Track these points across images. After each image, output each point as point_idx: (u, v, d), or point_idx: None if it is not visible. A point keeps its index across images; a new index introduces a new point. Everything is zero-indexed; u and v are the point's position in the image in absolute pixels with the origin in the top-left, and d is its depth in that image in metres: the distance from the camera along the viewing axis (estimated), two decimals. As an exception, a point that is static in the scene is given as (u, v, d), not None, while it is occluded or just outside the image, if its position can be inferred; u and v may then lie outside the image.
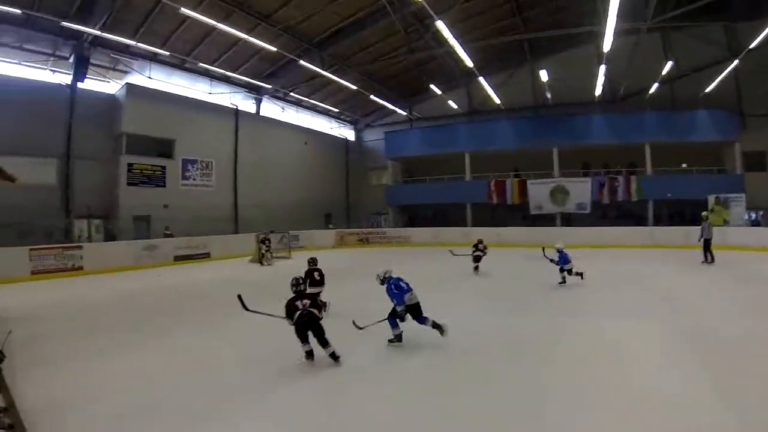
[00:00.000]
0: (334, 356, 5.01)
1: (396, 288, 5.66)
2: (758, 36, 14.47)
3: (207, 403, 4.19)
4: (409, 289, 5.70)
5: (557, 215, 20.86)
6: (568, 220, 20.95)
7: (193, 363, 5.43)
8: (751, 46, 15.33)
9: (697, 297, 8.47)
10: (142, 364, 5.43)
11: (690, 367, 4.66)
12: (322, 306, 5.63)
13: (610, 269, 12.02)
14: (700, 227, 12.86)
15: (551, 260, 9.61)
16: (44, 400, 4.27)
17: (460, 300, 8.58)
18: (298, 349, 5.11)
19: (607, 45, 14.35)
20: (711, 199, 18.10)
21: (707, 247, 12.49)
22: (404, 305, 5.57)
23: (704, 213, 13.52)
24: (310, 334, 5.05)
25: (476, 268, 11.63)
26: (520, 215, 21.96)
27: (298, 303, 5.17)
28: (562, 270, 9.48)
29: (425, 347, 5.57)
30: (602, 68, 17.64)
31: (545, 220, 21.09)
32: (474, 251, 11.72)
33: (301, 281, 5.54)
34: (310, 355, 5.12)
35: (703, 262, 12.44)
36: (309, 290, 6.09)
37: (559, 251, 9.57)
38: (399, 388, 4.44)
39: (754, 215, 19.11)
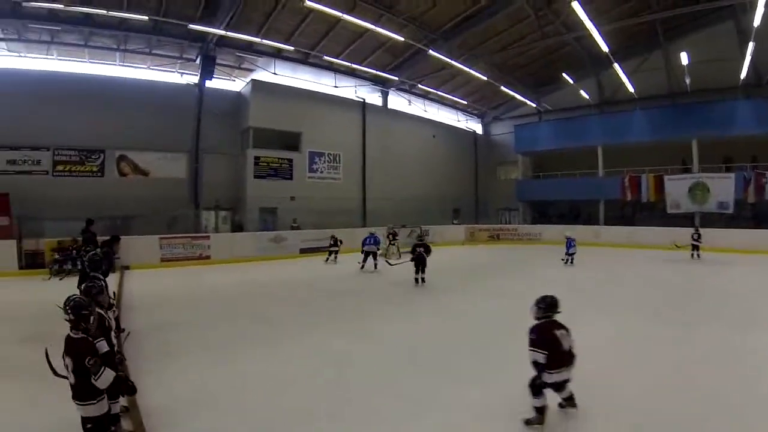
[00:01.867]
0: (423, 279, 10.03)
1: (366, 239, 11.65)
2: None
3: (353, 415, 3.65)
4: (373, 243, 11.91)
5: (696, 215, 18.67)
6: (709, 220, 18.66)
7: (330, 363, 4.88)
8: None
9: None
10: (274, 360, 4.98)
11: None
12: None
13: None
14: None
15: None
16: (168, 399, 3.84)
17: (607, 308, 7.89)
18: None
19: (757, 18, 12.76)
20: None
21: None
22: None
23: None
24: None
25: (698, 255, 14.49)
26: (651, 214, 20.16)
27: (417, 249, 10.06)
28: (568, 254, 13.06)
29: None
30: (750, 46, 15.72)
31: (678, 219, 18.95)
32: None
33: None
34: (417, 282, 9.97)
35: None
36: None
37: (568, 238, 13.21)
38: None
39: None
